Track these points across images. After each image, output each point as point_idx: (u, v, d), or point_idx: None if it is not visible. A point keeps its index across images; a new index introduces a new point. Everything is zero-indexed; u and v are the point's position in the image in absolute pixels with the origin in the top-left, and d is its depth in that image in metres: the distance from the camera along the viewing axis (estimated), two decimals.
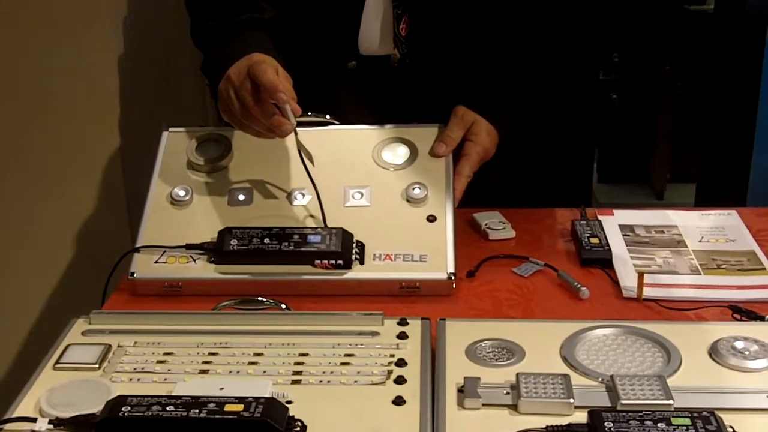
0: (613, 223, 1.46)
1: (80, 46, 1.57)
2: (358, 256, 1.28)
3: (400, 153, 1.41)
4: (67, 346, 1.09)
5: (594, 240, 1.38)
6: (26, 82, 1.50)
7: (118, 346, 1.09)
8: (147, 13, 1.78)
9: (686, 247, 1.40)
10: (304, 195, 1.36)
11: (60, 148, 1.58)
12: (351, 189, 1.37)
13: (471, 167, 1.42)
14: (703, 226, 1.46)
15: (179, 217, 1.36)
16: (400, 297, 1.27)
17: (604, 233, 1.40)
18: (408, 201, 1.36)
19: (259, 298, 1.25)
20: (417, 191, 1.35)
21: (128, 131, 1.65)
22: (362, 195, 1.36)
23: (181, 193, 1.37)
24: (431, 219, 1.33)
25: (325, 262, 1.27)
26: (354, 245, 1.29)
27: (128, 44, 1.67)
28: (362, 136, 1.43)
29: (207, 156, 1.41)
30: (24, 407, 0.98)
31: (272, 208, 1.35)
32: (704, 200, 2.77)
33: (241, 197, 1.37)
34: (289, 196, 1.36)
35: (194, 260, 1.30)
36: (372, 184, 1.37)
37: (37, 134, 1.54)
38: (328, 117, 1.44)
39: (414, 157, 1.40)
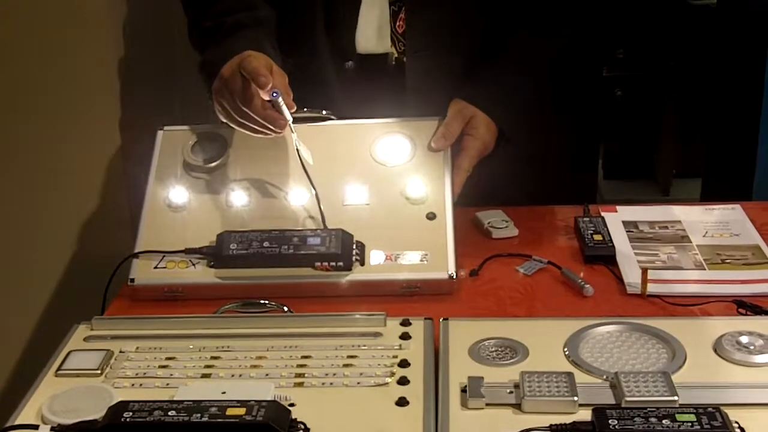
0: (617, 219, 1.46)
1: (80, 48, 1.57)
2: (358, 257, 1.28)
3: (398, 148, 1.40)
4: (69, 353, 1.09)
5: (597, 237, 1.38)
6: (26, 85, 1.50)
7: (120, 352, 1.09)
8: (146, 14, 1.78)
9: (690, 242, 1.39)
10: (302, 194, 1.35)
11: (60, 151, 1.58)
12: (349, 187, 1.36)
13: (470, 161, 1.41)
14: (707, 221, 1.45)
15: (177, 219, 1.35)
16: (402, 297, 1.26)
17: (608, 230, 1.40)
18: (407, 198, 1.35)
19: (261, 301, 1.24)
20: (416, 189, 1.34)
21: (128, 135, 1.64)
22: (361, 193, 1.35)
23: (178, 195, 1.36)
24: (431, 216, 1.33)
25: (326, 264, 1.26)
26: (354, 246, 1.28)
27: (128, 46, 1.67)
28: (359, 130, 1.42)
29: (203, 156, 1.40)
30: (26, 414, 0.98)
31: (271, 209, 1.35)
32: (710, 196, 2.75)
33: (239, 198, 1.35)
34: (288, 195, 1.35)
35: (194, 265, 1.29)
36: (370, 182, 1.37)
37: (37, 138, 1.54)
38: (324, 112, 1.43)
39: (412, 153, 1.39)
